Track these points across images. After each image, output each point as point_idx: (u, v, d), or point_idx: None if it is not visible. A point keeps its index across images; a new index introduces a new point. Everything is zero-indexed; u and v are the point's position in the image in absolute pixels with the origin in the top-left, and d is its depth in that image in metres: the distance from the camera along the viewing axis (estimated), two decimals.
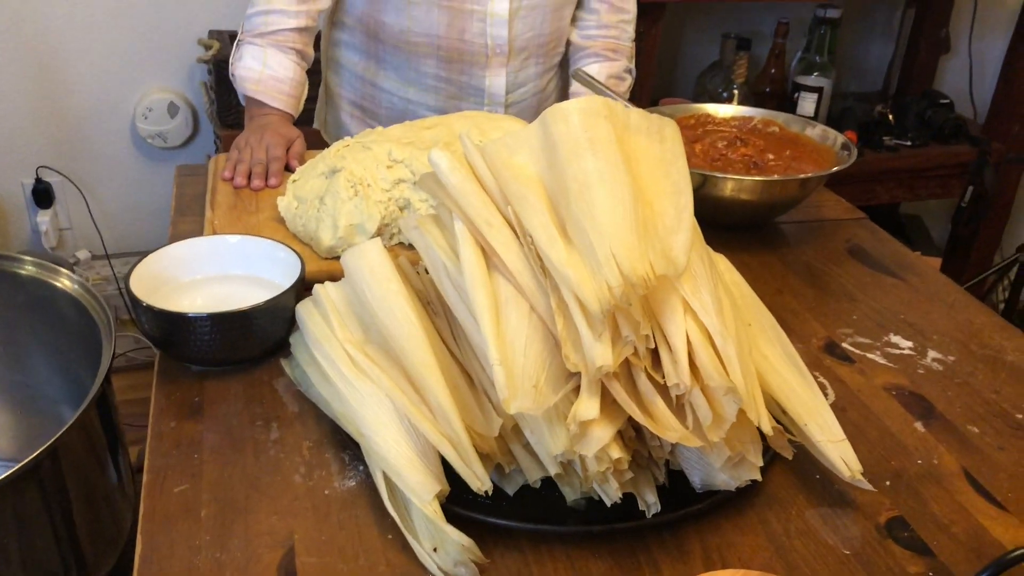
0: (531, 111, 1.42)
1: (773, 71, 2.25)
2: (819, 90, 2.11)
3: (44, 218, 2.05)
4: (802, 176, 1.13)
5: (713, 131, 1.29)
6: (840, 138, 1.22)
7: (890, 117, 2.29)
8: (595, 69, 1.43)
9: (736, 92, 2.09)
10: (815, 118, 2.14)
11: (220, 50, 1.83)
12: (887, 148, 2.23)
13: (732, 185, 1.11)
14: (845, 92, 2.54)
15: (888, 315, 1.02)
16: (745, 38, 2.14)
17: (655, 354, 0.69)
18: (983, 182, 2.27)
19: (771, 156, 1.23)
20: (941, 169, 2.28)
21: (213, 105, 1.91)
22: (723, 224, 1.18)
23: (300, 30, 1.28)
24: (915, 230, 2.64)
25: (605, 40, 1.43)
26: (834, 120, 2.24)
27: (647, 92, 2.07)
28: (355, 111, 1.44)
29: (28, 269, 1.12)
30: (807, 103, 2.13)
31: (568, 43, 1.45)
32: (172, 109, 2.00)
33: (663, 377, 0.68)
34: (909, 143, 2.25)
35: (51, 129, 2.00)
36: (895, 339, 0.97)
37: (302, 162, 1.20)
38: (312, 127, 1.53)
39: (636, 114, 0.86)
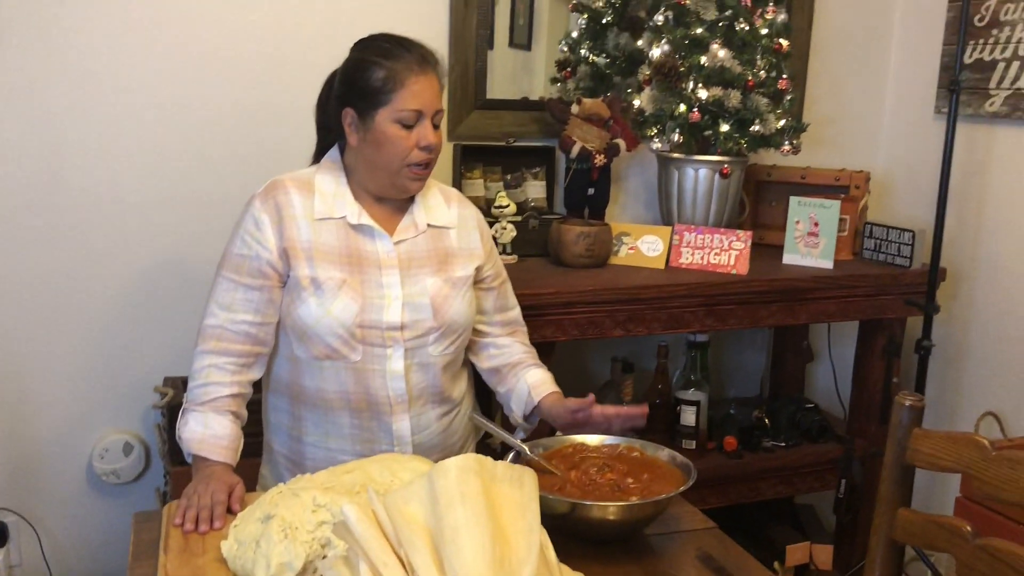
0: (438, 448, 1.70)
1: (659, 386, 2.60)
2: (696, 403, 2.45)
3: None
4: (653, 500, 1.40)
5: (587, 457, 1.57)
6: (684, 460, 1.51)
7: (766, 421, 2.63)
8: (519, 348, 1.79)
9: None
10: (696, 427, 2.46)
11: (174, 396, 2.11)
12: (765, 449, 2.55)
13: (597, 510, 1.38)
14: (728, 398, 2.91)
15: None
16: (629, 362, 2.51)
17: None
18: (852, 476, 2.57)
19: (631, 480, 1.51)
20: (815, 466, 2.59)
21: (165, 444, 2.16)
22: (595, 540, 1.43)
23: (234, 396, 1.58)
24: (808, 518, 2.90)
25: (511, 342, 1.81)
26: (716, 426, 2.57)
27: None
28: (288, 463, 1.71)
29: None
30: (688, 415, 2.46)
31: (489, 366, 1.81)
32: (127, 448, 2.24)
33: None
34: (784, 444, 2.58)
35: (9, 468, 2.21)
36: None
37: (243, 504, 1.43)
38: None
39: (502, 466, 1.15)
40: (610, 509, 1.38)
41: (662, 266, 2.34)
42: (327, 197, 1.62)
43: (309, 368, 1.63)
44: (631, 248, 2.36)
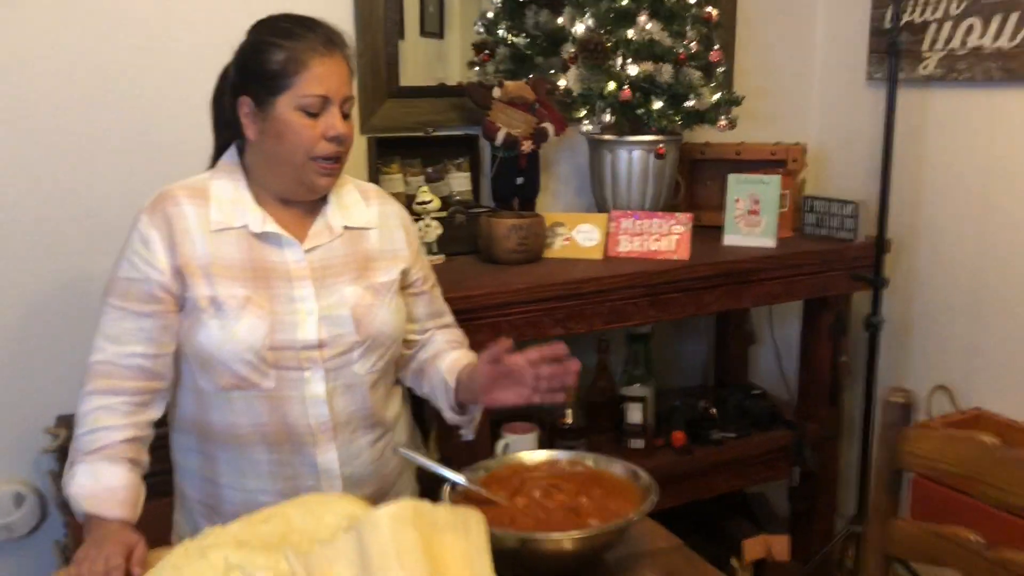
0: (371, 480, 1.52)
1: (601, 384, 2.46)
2: (643, 399, 2.31)
3: None
4: (615, 526, 1.24)
5: (528, 479, 1.41)
6: (640, 472, 1.36)
7: (713, 412, 2.51)
8: (441, 337, 1.62)
9: (569, 409, 2.26)
10: (643, 425, 2.32)
11: (68, 438, 1.88)
12: (714, 442, 2.43)
13: (550, 543, 1.22)
14: (671, 389, 2.78)
15: None
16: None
17: None
18: (805, 462, 2.48)
19: (584, 499, 1.35)
20: (767, 455, 2.48)
21: (61, 492, 1.93)
22: (553, 573, 1.28)
23: (130, 441, 1.37)
24: (760, 507, 2.80)
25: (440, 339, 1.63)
26: (663, 420, 2.44)
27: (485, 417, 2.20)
28: (203, 509, 1.51)
29: None
30: (634, 412, 2.32)
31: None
32: (18, 499, 2.00)
33: None
34: (734, 435, 2.46)
35: None
36: None
37: (145, 567, 1.23)
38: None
39: (443, 512, 0.98)
40: (566, 541, 1.22)
41: (600, 256, 2.19)
42: (224, 204, 1.43)
43: (216, 401, 1.43)
44: (566, 239, 2.21)
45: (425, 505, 0.97)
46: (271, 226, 1.42)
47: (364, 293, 1.47)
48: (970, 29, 2.37)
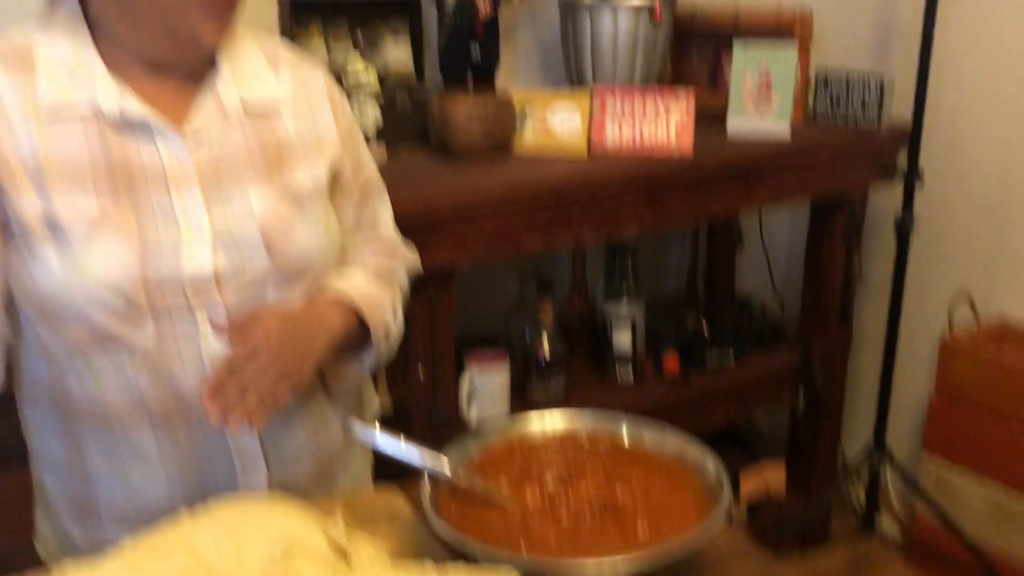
0: (306, 456, 1.09)
1: (578, 305, 2.05)
2: (632, 320, 1.92)
3: None
4: (684, 543, 0.83)
5: (539, 460, 1.00)
6: (684, 438, 0.97)
7: (705, 329, 2.13)
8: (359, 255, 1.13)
9: (546, 338, 1.85)
10: (633, 351, 1.93)
11: None
12: (710, 367, 2.05)
13: (593, 570, 0.81)
14: (653, 304, 2.38)
15: None
16: (546, 279, 1.91)
17: None
18: (813, 384, 2.13)
19: (622, 489, 0.95)
20: (769, 378, 2.13)
21: None
22: None
23: None
24: (753, 437, 2.47)
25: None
26: (649, 344, 2.05)
27: (448, 339, 1.74)
28: (73, 510, 1.06)
29: None
30: (622, 336, 1.93)
31: None
32: None
33: None
34: (731, 356, 2.09)
35: None
36: None
37: None
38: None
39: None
40: (611, 568, 0.81)
41: (583, 146, 1.74)
42: (58, 72, 0.93)
43: (72, 364, 0.97)
44: (539, 125, 1.75)
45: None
46: (131, 103, 0.93)
47: (277, 202, 1.00)
48: None
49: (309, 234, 1.02)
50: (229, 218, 0.97)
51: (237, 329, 0.94)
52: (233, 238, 0.97)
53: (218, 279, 0.96)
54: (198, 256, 0.95)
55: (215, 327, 0.95)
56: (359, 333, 1.06)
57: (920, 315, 2.23)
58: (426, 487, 0.90)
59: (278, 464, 1.06)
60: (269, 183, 1.00)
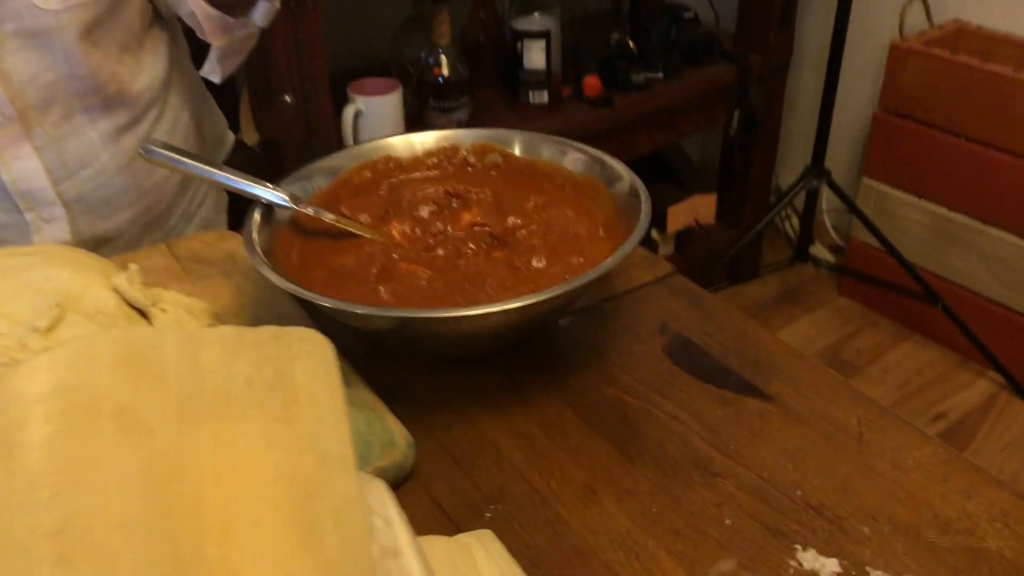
0: (125, 198, 0.85)
1: (483, 15, 1.76)
2: (545, 34, 1.64)
3: None
4: (584, 280, 0.63)
5: (410, 180, 0.78)
6: (609, 160, 0.75)
7: (631, 45, 1.87)
8: None
9: (444, 57, 1.58)
10: (547, 70, 1.67)
11: None
12: (636, 87, 1.81)
13: (467, 322, 0.61)
14: (570, 18, 2.09)
15: (771, 486, 0.56)
16: None
17: None
18: (750, 103, 1.92)
19: (513, 218, 0.74)
20: (702, 98, 1.90)
21: None
22: (464, 357, 0.69)
23: None
24: (680, 164, 2.28)
25: None
26: (570, 66, 1.79)
27: (320, 60, 1.44)
28: None
29: None
30: (535, 53, 1.66)
31: None
32: None
33: None
34: (660, 75, 1.85)
35: None
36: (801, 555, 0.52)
37: None
38: None
39: (244, 369, 0.34)
40: (493, 316, 0.61)
41: None
42: None
43: None
44: None
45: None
46: None
47: None
48: None
49: None
50: None
51: None
52: None
53: None
54: None
55: None
56: None
57: (869, 22, 1.99)
58: (255, 218, 0.68)
59: (80, 210, 0.82)
60: None
